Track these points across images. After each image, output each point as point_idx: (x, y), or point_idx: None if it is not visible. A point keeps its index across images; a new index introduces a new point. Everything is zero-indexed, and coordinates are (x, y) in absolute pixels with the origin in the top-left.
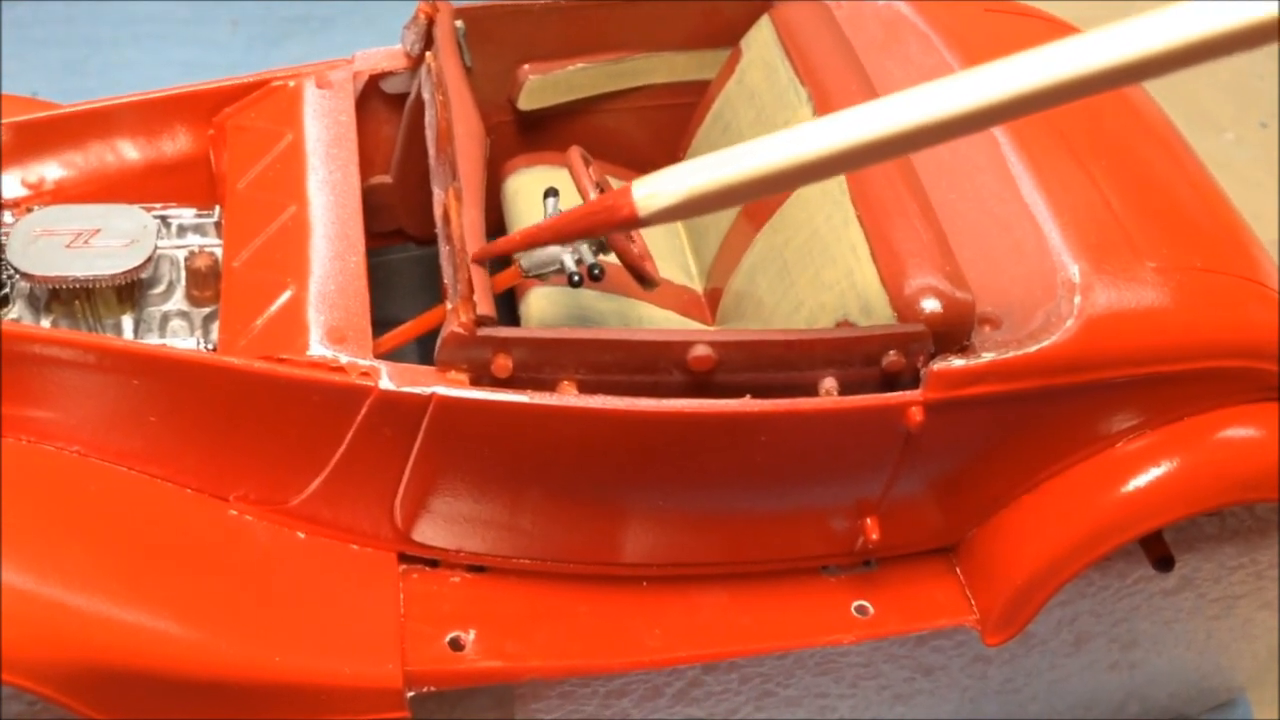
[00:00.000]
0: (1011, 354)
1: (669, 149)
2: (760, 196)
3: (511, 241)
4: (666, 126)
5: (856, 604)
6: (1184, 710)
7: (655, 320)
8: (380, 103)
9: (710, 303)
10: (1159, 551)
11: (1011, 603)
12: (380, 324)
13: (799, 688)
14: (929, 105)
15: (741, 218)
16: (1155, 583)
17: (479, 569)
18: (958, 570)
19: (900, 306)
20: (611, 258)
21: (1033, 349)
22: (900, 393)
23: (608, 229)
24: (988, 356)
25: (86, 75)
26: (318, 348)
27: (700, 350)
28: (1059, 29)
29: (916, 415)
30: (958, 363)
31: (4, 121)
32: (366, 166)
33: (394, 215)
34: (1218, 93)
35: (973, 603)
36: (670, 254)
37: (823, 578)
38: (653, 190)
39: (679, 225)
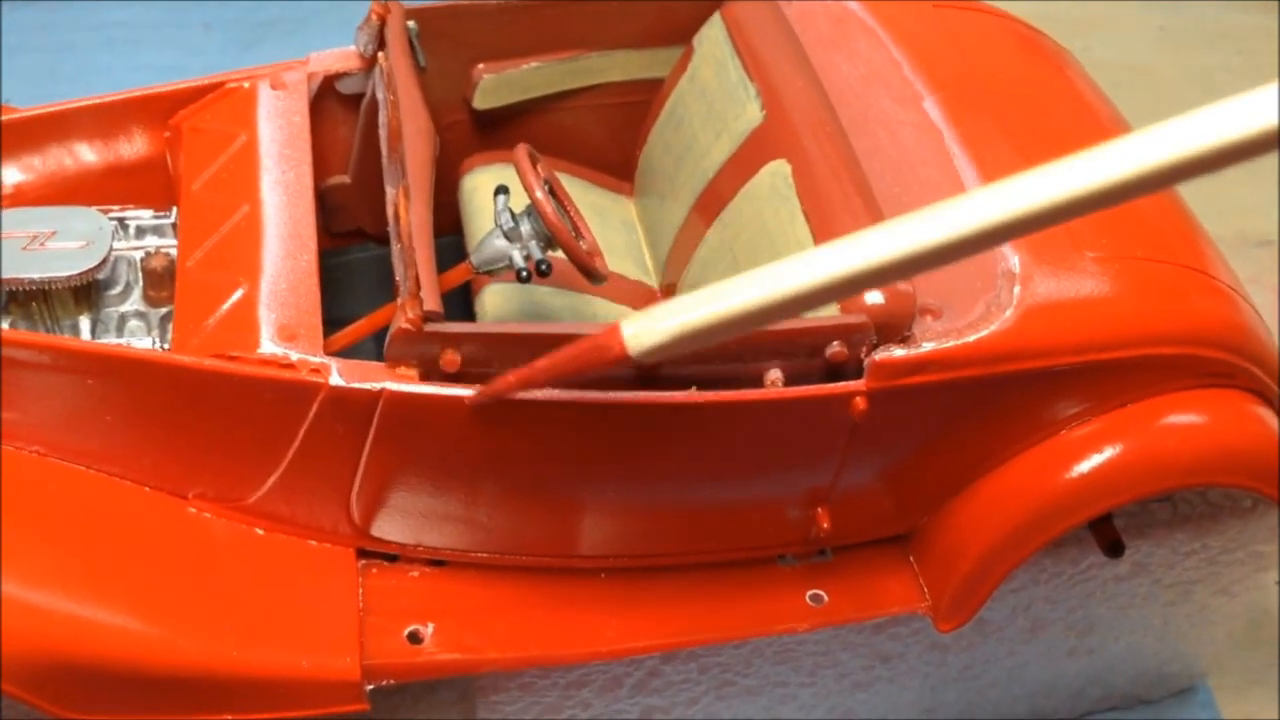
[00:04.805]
0: (951, 344)
1: (625, 146)
2: (750, 329)
3: (506, 382)
4: (622, 124)
5: (811, 593)
6: (1145, 696)
7: (608, 314)
8: (336, 103)
9: (665, 297)
10: (1109, 537)
11: (961, 589)
12: (341, 322)
13: (758, 677)
14: (920, 234)
15: (693, 214)
16: (1108, 569)
17: (438, 563)
18: (911, 558)
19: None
20: (560, 254)
21: (972, 338)
22: (844, 383)
23: (601, 367)
24: (928, 346)
25: (60, 81)
26: (269, 345)
27: None
28: (1007, 24)
29: (860, 404)
30: (899, 353)
31: None
32: (325, 167)
33: (353, 215)
34: (1183, 84)
35: (925, 590)
36: (627, 250)
37: (778, 567)
38: (641, 329)
39: (635, 221)
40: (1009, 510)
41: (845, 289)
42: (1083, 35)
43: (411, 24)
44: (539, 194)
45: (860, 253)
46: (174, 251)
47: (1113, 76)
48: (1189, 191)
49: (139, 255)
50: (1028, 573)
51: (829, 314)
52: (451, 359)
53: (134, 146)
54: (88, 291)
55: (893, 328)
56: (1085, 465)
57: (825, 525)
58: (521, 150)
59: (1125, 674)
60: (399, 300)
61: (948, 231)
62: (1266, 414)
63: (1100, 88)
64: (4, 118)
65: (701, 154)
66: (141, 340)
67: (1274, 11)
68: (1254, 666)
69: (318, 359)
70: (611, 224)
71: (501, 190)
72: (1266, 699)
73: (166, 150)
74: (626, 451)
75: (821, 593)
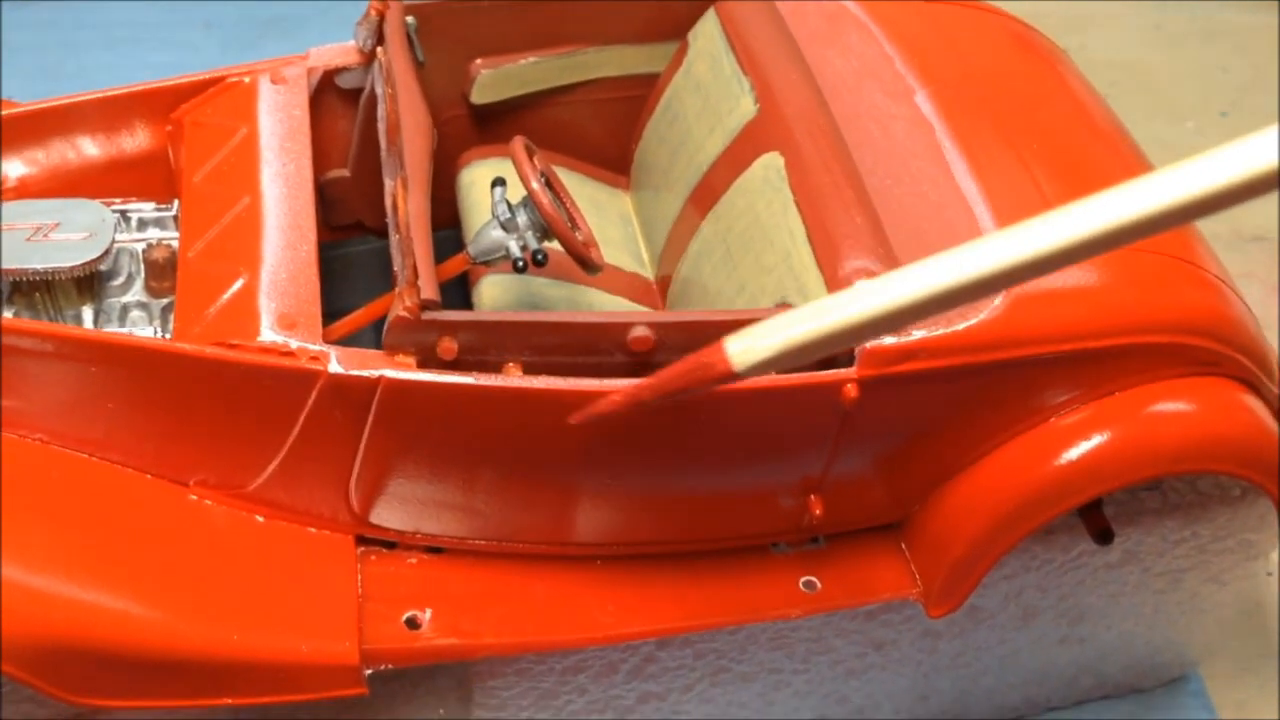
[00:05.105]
0: (941, 331)
1: (621, 140)
2: (851, 344)
3: (612, 401)
4: (618, 118)
5: (804, 579)
6: (1137, 685)
7: (604, 305)
8: (336, 98)
9: (661, 289)
10: (1099, 524)
11: (952, 574)
12: (340, 315)
13: (752, 663)
14: (999, 253)
15: (688, 206)
16: (1099, 556)
17: (435, 550)
18: (903, 545)
19: (835, 288)
20: (557, 245)
21: (962, 326)
22: (835, 370)
23: (708, 384)
24: (919, 334)
25: (61, 79)
26: (268, 333)
27: (640, 331)
28: (1001, 20)
29: (851, 392)
30: (889, 340)
31: None
32: (324, 160)
33: (352, 208)
34: (1180, 81)
35: (917, 576)
36: (623, 242)
37: (772, 554)
38: (747, 345)
39: (631, 214)
40: (999, 497)
41: (944, 303)
42: (1078, 33)
43: (410, 20)
44: (535, 185)
45: (956, 268)
46: (175, 243)
47: (1108, 75)
48: None
49: (141, 247)
50: (1018, 560)
51: None
52: (449, 347)
53: (136, 140)
54: (90, 282)
55: None
56: (1074, 452)
57: (818, 512)
58: (518, 142)
59: (1117, 662)
60: (397, 289)
61: (1044, 245)
62: (1253, 402)
63: (1092, 85)
64: (7, 112)
65: (696, 148)
66: (143, 330)
67: (1272, 11)
68: (1245, 655)
69: (317, 347)
70: (608, 217)
71: (499, 182)
72: (1258, 687)
73: (168, 144)
74: (620, 440)
75: (814, 579)
